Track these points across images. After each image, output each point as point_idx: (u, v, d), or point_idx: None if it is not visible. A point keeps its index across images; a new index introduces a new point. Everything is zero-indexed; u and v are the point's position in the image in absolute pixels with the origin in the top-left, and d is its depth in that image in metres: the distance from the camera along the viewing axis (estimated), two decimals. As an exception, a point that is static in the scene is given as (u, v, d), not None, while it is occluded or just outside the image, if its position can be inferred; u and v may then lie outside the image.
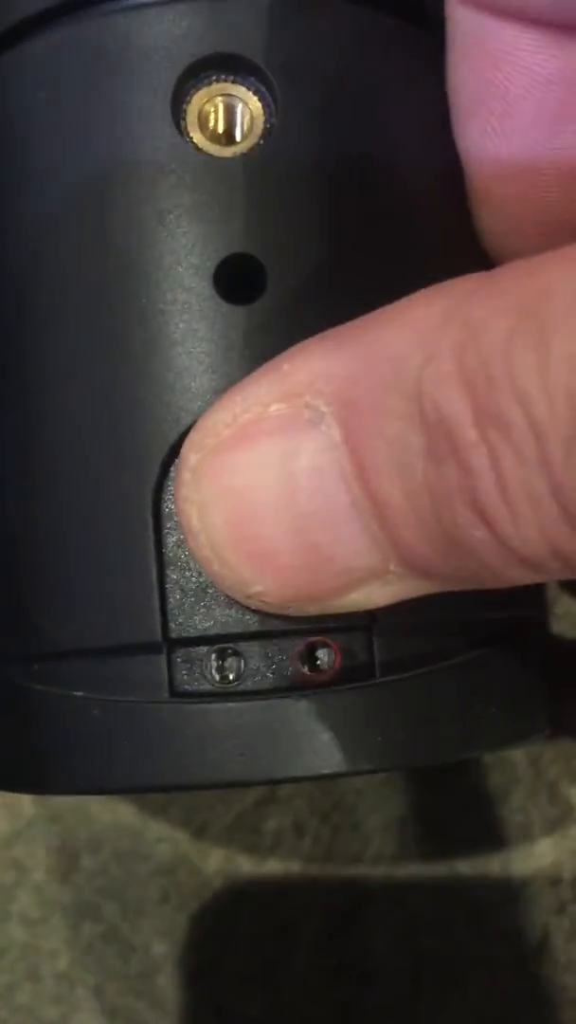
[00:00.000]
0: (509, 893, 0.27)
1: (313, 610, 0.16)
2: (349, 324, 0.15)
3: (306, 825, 0.27)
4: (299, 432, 0.15)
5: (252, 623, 0.18)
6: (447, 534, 0.14)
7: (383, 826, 0.27)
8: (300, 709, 0.18)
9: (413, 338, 0.14)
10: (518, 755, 0.27)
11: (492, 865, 0.28)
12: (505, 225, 0.19)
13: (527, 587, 0.20)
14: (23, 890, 0.27)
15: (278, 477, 0.15)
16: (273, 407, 0.15)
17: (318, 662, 0.18)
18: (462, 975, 0.27)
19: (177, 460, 0.17)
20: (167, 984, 0.28)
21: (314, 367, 0.15)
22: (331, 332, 0.15)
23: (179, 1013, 0.28)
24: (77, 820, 0.27)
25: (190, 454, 0.16)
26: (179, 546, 0.18)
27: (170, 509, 0.18)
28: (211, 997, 0.28)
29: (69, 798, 0.27)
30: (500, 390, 0.13)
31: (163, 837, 0.28)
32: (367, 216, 0.18)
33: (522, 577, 0.15)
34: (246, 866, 0.28)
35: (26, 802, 0.27)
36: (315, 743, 0.18)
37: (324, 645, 0.18)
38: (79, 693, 0.18)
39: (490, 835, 0.28)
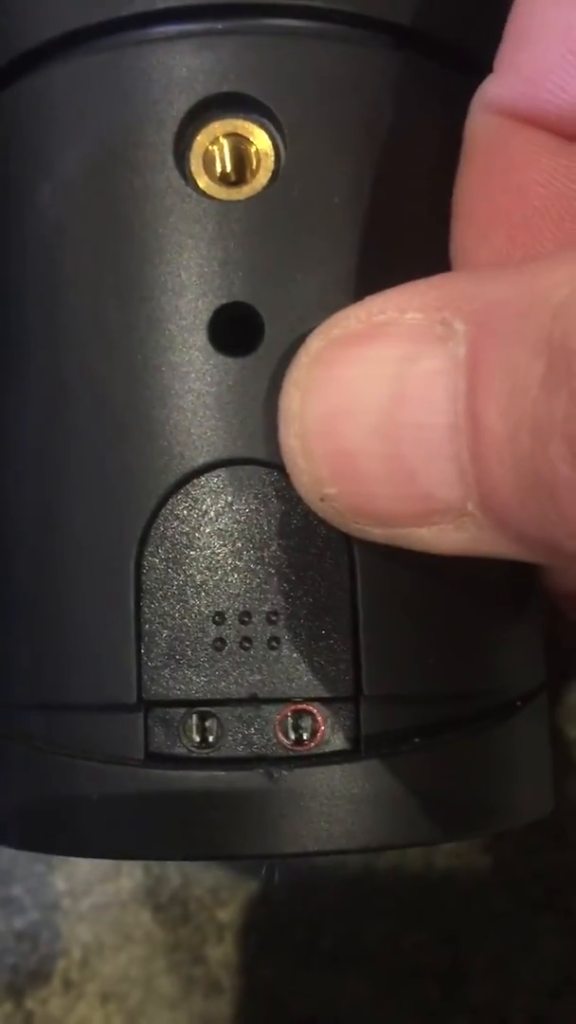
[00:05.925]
0: None
1: (378, 534, 0.16)
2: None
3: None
4: (426, 342, 0.15)
5: (234, 688, 0.17)
6: (536, 471, 0.14)
7: None
8: (278, 782, 0.17)
9: (563, 276, 0.14)
10: None
11: None
12: None
13: (527, 660, 0.20)
14: None
15: (390, 378, 0.15)
16: (409, 315, 0.15)
17: (301, 732, 0.17)
18: None
19: (161, 514, 0.17)
20: None
21: (462, 287, 0.15)
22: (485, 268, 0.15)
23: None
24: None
25: (313, 340, 0.16)
26: (161, 603, 0.17)
27: (151, 564, 0.17)
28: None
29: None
30: None
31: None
32: (368, 269, 0.18)
33: None
34: None
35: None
36: (291, 819, 0.17)
37: (308, 714, 0.17)
38: (50, 747, 0.18)
39: None
